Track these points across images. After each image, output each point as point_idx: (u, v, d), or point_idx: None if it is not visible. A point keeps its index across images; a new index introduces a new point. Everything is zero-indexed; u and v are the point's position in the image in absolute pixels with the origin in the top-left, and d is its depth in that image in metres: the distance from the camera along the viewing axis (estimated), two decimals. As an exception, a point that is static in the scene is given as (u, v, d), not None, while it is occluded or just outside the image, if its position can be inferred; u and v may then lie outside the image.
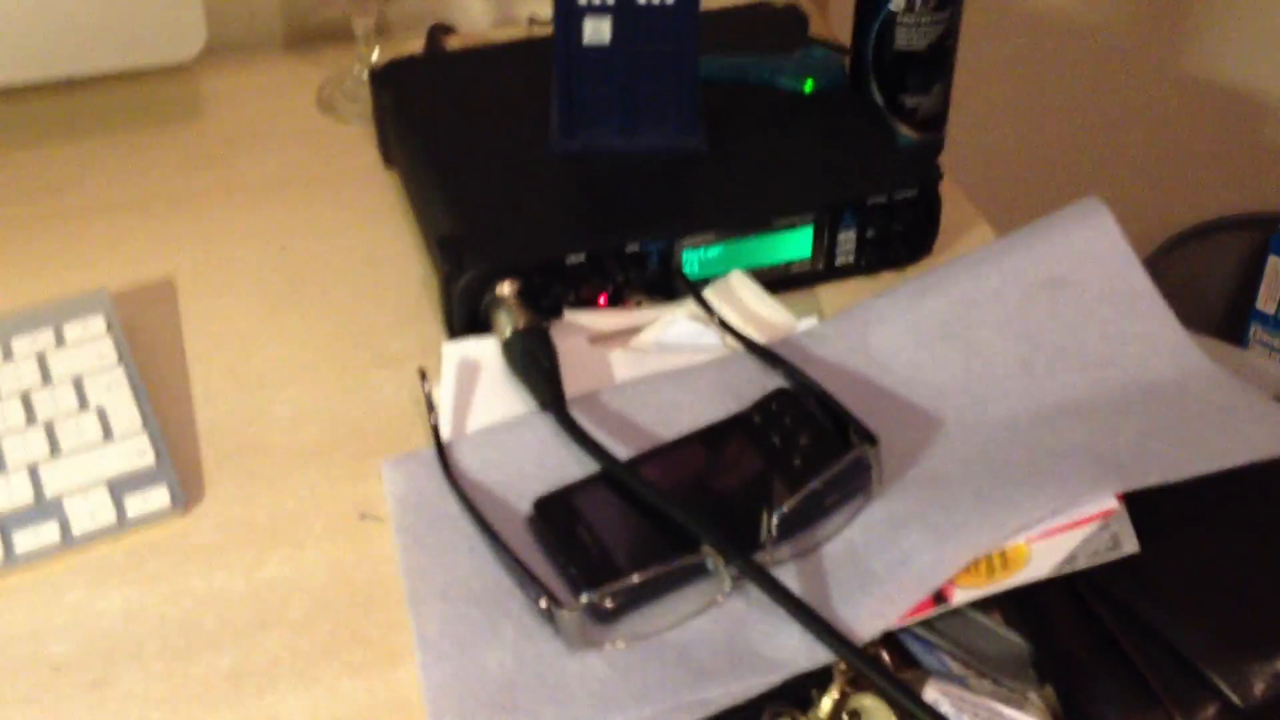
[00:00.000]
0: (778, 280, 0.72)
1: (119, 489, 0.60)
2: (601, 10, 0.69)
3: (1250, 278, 1.38)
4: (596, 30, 0.70)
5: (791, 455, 0.60)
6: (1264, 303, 1.37)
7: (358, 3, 0.81)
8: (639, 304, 0.69)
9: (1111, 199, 1.30)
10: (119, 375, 0.64)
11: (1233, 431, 0.56)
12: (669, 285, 0.69)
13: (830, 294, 0.73)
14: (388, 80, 0.78)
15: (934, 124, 0.82)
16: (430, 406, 0.63)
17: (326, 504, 0.61)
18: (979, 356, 0.65)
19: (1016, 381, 0.64)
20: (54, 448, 0.61)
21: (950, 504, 0.56)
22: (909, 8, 0.76)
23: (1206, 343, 0.65)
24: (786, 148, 0.74)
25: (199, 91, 0.87)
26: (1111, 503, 0.54)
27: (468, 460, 0.61)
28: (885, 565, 0.55)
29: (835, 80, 0.79)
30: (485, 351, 0.65)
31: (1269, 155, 1.34)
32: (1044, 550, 0.54)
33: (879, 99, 0.80)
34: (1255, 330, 1.37)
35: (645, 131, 0.73)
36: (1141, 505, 0.54)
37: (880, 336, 0.66)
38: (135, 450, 0.61)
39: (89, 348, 0.65)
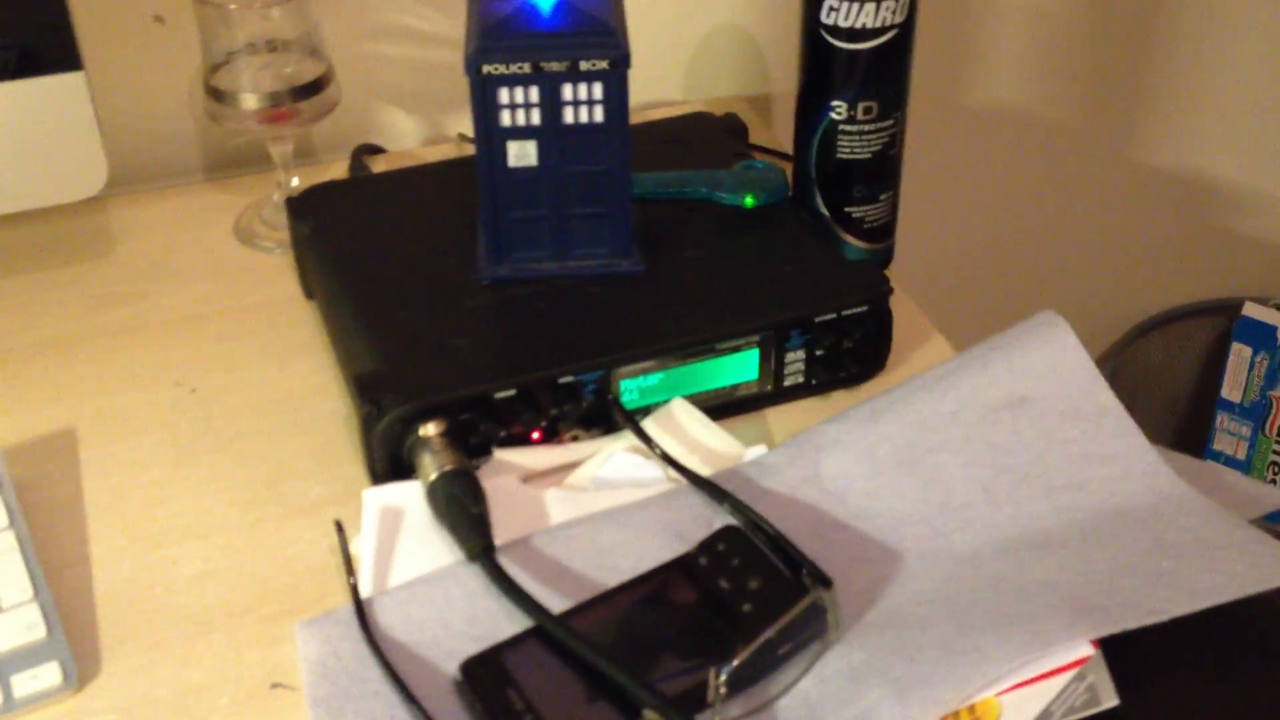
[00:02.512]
0: (723, 405, 0.68)
1: (4, 667, 0.54)
2: (526, 132, 0.66)
3: (1215, 365, 1.36)
4: (522, 153, 0.66)
5: (741, 601, 0.55)
6: (1229, 390, 1.34)
7: (275, 128, 0.78)
8: (575, 438, 0.65)
9: (1072, 293, 1.30)
10: (8, 539, 0.59)
11: (1213, 565, 0.52)
12: (607, 417, 0.65)
13: (780, 417, 0.69)
14: (306, 208, 0.74)
15: (882, 234, 0.79)
16: (348, 564, 0.58)
17: (235, 673, 0.55)
18: (938, 484, 0.61)
19: (979, 510, 0.59)
20: (-67, 623, 0.56)
21: (913, 654, 0.51)
22: (851, 117, 0.74)
23: (1173, 458, 0.61)
24: (728, 266, 0.71)
25: (111, 224, 0.83)
26: (1087, 650, 0.50)
27: (390, 619, 0.56)
28: (845, 727, 0.50)
29: (777, 193, 0.76)
30: (409, 497, 0.60)
31: (1226, 242, 1.32)
32: (1015, 704, 0.49)
33: (824, 211, 0.77)
34: (1221, 418, 1.34)
35: (578, 254, 0.69)
36: (1119, 649, 0.50)
37: (833, 465, 0.62)
38: (24, 623, 0.56)
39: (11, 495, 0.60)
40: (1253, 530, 0.55)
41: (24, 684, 0.54)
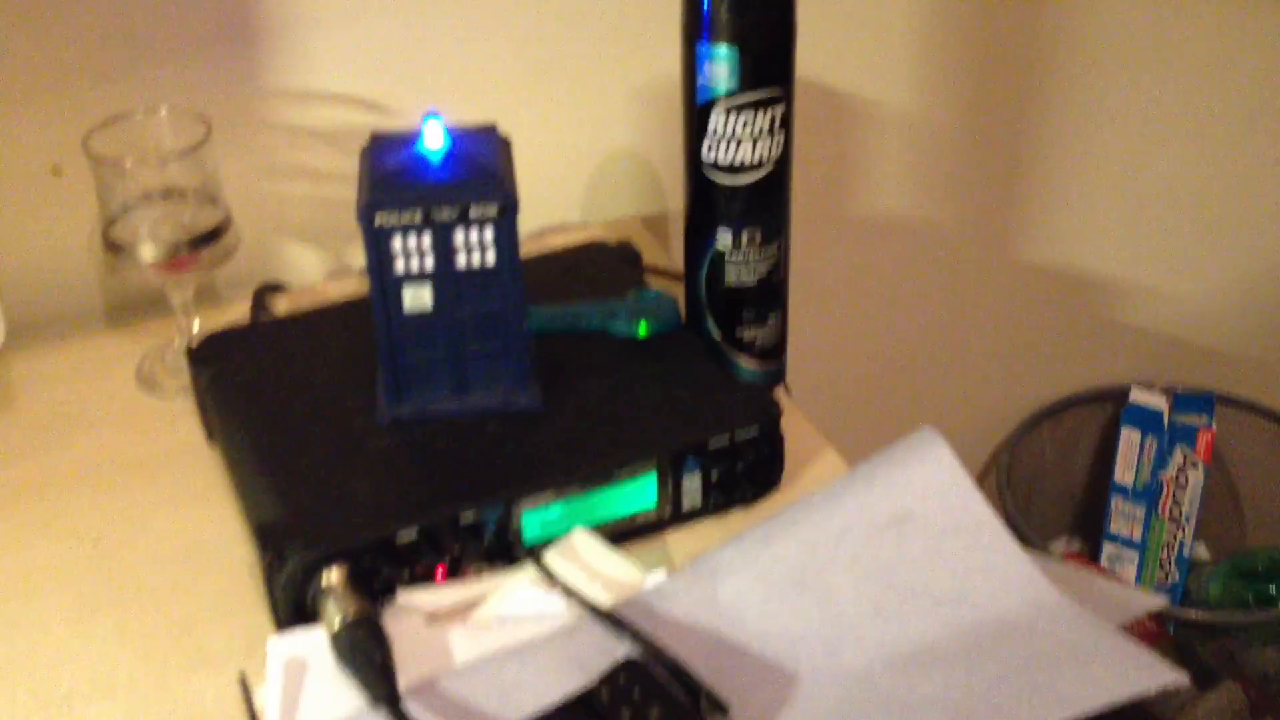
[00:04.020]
0: (624, 532, 0.70)
1: None
2: (421, 278, 0.68)
3: (1107, 451, 1.41)
4: (417, 298, 0.69)
5: (649, 730, 0.57)
6: (1121, 474, 1.39)
7: (174, 276, 0.79)
8: (479, 574, 0.66)
9: (964, 390, 1.34)
10: None
11: (1084, 674, 0.55)
12: (509, 551, 0.67)
13: (679, 540, 0.71)
14: (205, 356, 0.75)
15: (773, 353, 0.82)
16: (252, 717, 0.58)
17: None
18: (830, 602, 0.63)
19: (869, 627, 0.62)
20: None
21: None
22: (735, 245, 0.77)
23: (1055, 566, 0.64)
24: (624, 395, 0.73)
25: (9, 377, 0.83)
26: (970, 766, 0.52)
27: (299, 769, 0.57)
28: None
29: (670, 321, 0.79)
30: (314, 645, 0.61)
31: (1108, 331, 1.38)
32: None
33: (716, 335, 0.80)
34: (1117, 501, 1.39)
35: (476, 393, 0.71)
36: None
37: (729, 588, 0.64)
38: None
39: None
40: (1120, 637, 0.58)
41: None
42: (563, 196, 1.02)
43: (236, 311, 0.88)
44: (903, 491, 0.66)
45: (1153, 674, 0.55)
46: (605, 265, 0.86)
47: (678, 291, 0.81)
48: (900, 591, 0.63)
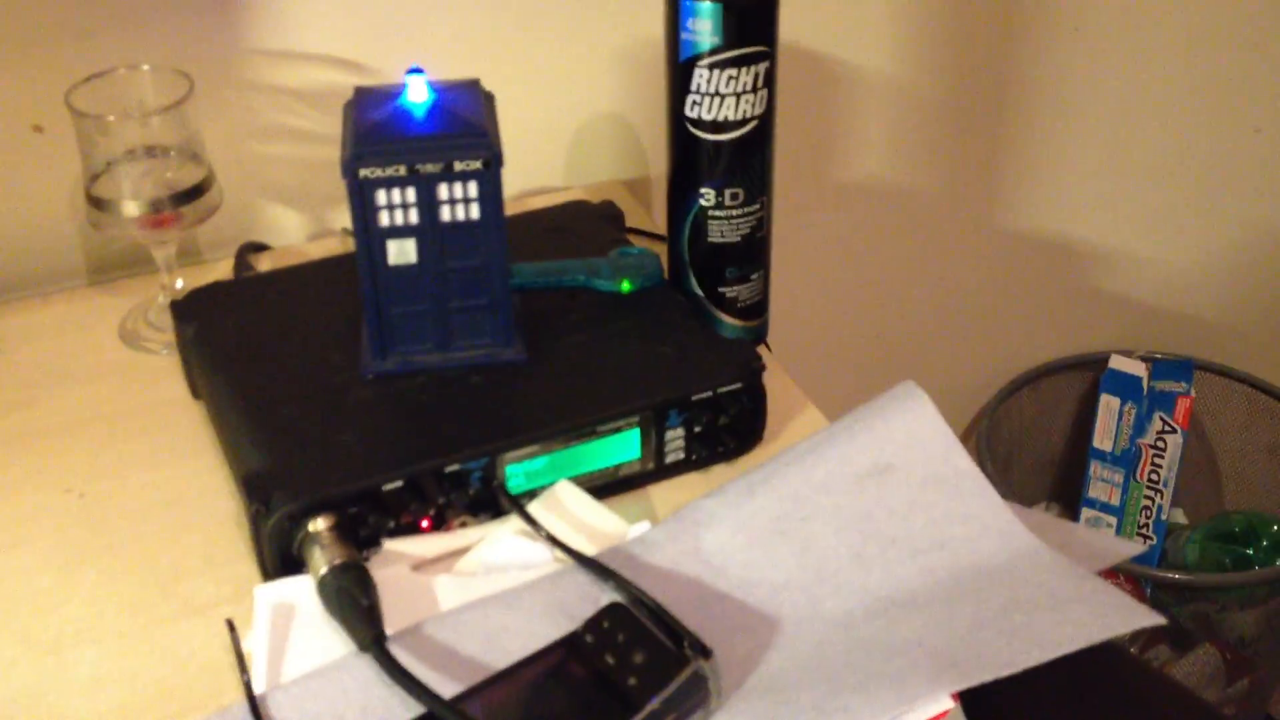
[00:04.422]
0: (608, 484, 0.70)
1: None
2: (405, 231, 0.68)
3: (1086, 417, 1.42)
4: (402, 251, 0.69)
5: (626, 675, 0.57)
6: (1100, 440, 1.40)
7: (157, 233, 0.79)
8: (463, 525, 0.67)
9: (945, 355, 1.35)
10: None
11: (1061, 616, 0.56)
12: (494, 502, 0.67)
13: (662, 493, 0.72)
14: (190, 310, 0.75)
15: (756, 311, 0.82)
16: (241, 662, 0.59)
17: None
18: (812, 551, 0.64)
19: (849, 574, 0.63)
20: None
21: (789, 715, 0.54)
22: (719, 203, 0.77)
23: (1027, 514, 0.65)
24: (608, 350, 0.73)
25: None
26: (948, 703, 0.53)
27: (285, 713, 0.57)
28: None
29: (653, 277, 0.79)
30: (301, 592, 0.62)
31: (1089, 299, 1.39)
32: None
33: (698, 292, 0.80)
34: (1095, 467, 1.40)
35: (461, 346, 0.72)
36: (978, 700, 0.53)
37: (712, 538, 0.65)
38: None
39: None
40: (1098, 581, 0.59)
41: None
42: (544, 159, 1.02)
43: (218, 271, 0.88)
44: (884, 442, 0.66)
45: (1130, 616, 0.56)
46: (588, 223, 0.86)
47: (660, 251, 0.81)
48: (881, 540, 0.64)
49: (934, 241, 1.26)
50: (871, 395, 0.70)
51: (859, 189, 1.19)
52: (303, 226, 0.96)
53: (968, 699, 0.54)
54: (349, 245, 0.90)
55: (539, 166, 1.02)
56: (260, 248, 0.91)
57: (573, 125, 1.02)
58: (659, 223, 0.92)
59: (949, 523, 0.64)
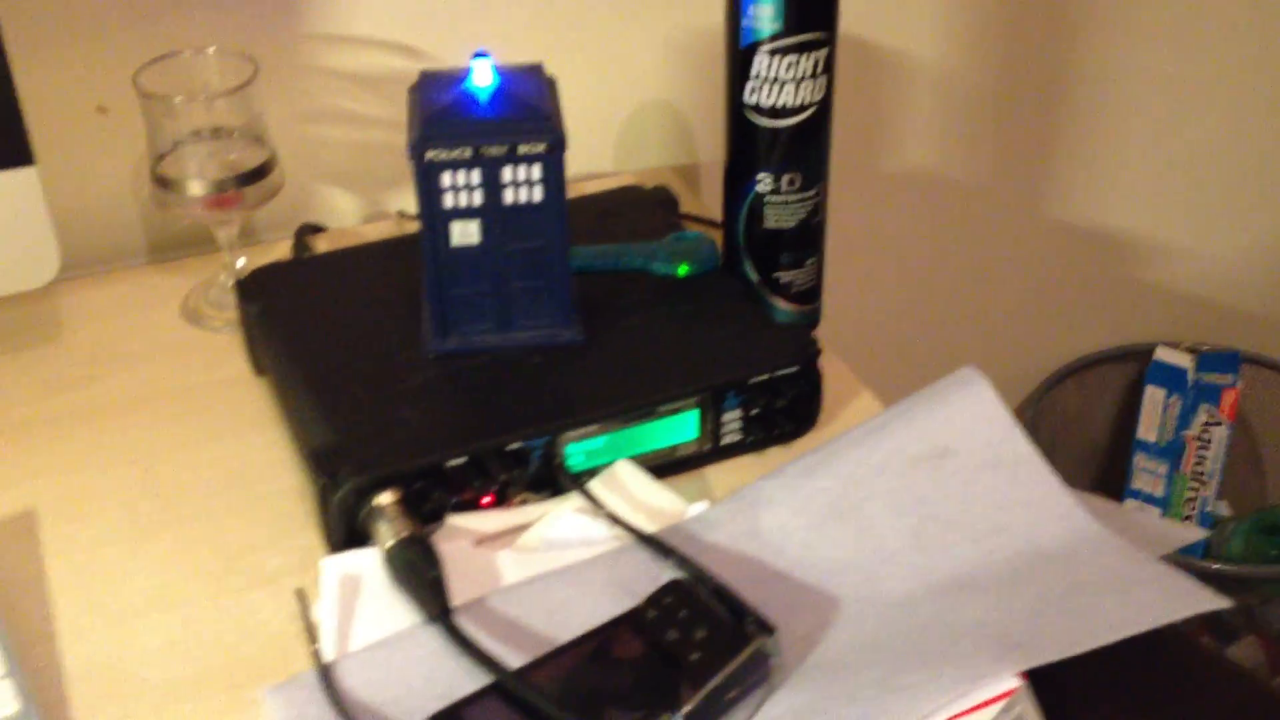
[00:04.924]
0: (665, 465, 0.71)
1: None
2: (469, 213, 0.69)
3: (1131, 408, 1.42)
4: (465, 232, 0.70)
5: (688, 651, 0.58)
6: (1145, 432, 1.40)
7: (220, 214, 0.80)
8: (524, 502, 0.68)
9: (991, 344, 1.35)
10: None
11: (1126, 599, 0.56)
12: (554, 480, 0.68)
13: (718, 475, 0.72)
14: (254, 289, 0.76)
15: (810, 297, 0.83)
16: (310, 631, 0.60)
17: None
18: (871, 533, 0.64)
19: (909, 556, 0.63)
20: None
21: (852, 693, 0.55)
22: (775, 189, 0.78)
23: (1088, 499, 0.65)
24: (665, 333, 0.74)
25: (58, 311, 0.85)
26: (1014, 682, 0.53)
27: (353, 681, 0.58)
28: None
29: (708, 262, 0.80)
30: (367, 564, 0.63)
31: (1136, 290, 1.38)
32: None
33: (753, 277, 0.81)
34: (1139, 458, 1.40)
35: (521, 327, 0.72)
36: (1044, 681, 0.54)
37: (771, 518, 0.66)
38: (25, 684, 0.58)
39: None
40: (1161, 565, 0.59)
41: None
42: (596, 145, 1.03)
43: (277, 252, 0.89)
44: (944, 426, 0.67)
45: (1195, 600, 0.56)
46: (643, 208, 0.87)
47: (714, 236, 0.82)
48: (940, 523, 0.64)
49: (980, 230, 1.26)
50: (918, 383, 0.70)
51: (906, 177, 1.19)
52: (358, 208, 0.97)
53: (1034, 681, 0.54)
54: (403, 228, 0.91)
55: (590, 151, 1.02)
56: (317, 229, 0.92)
57: (624, 111, 1.03)
58: (710, 208, 0.92)
59: (1010, 507, 0.64)
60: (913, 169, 1.19)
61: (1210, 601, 0.56)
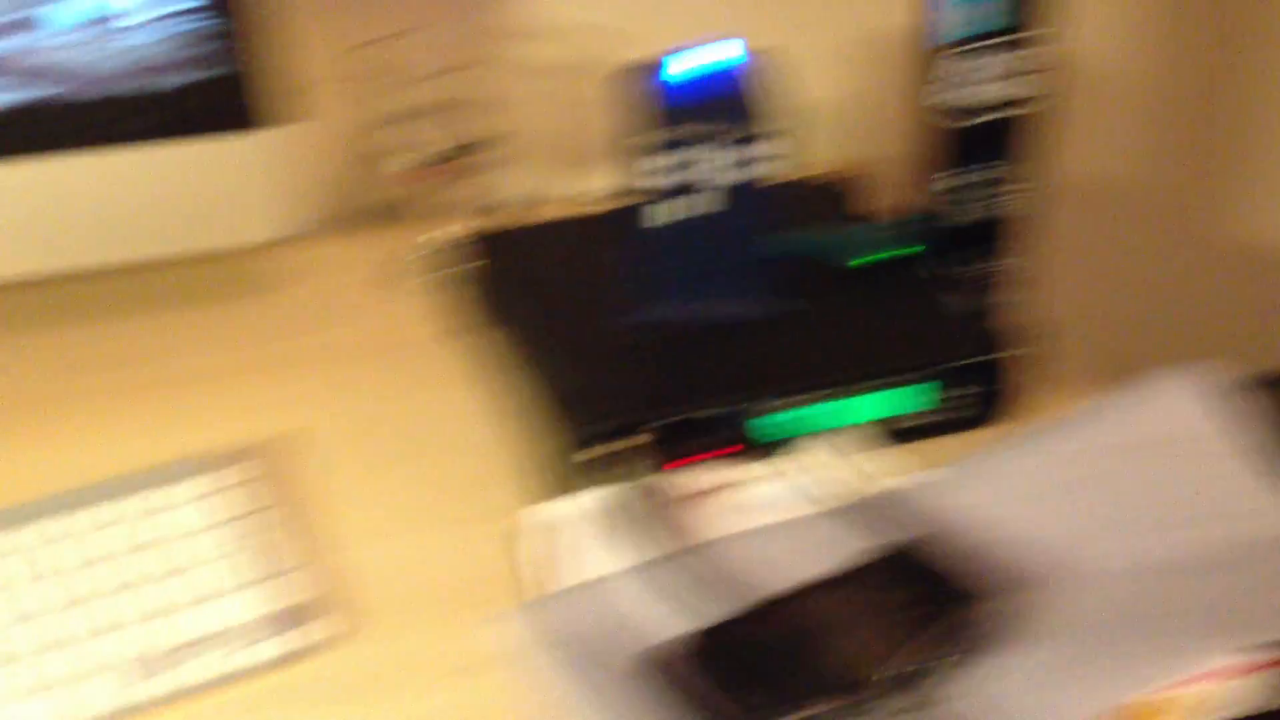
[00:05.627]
0: (877, 437, 0.73)
1: (280, 623, 0.62)
2: (670, 194, 0.72)
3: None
4: (672, 211, 0.73)
5: (908, 612, 0.59)
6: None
7: (436, 183, 0.84)
8: (738, 462, 0.70)
9: (1173, 352, 1.30)
10: (264, 520, 0.66)
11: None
12: (771, 445, 0.70)
13: (926, 450, 0.73)
14: (479, 251, 0.81)
15: (998, 290, 0.84)
16: (519, 571, 0.64)
17: (457, 647, 0.61)
18: (1088, 514, 0.65)
19: (1127, 538, 0.64)
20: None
21: (1084, 662, 0.56)
22: (970, 184, 0.79)
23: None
24: (865, 315, 0.77)
25: (283, 266, 0.89)
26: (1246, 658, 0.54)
27: (551, 618, 0.61)
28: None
29: (903, 253, 0.81)
30: (574, 511, 0.66)
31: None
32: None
33: (951, 268, 0.82)
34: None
35: (720, 302, 0.75)
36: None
37: (971, 496, 0.67)
38: (298, 585, 0.63)
39: (230, 496, 0.67)
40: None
41: (296, 639, 0.61)
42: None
43: (479, 224, 0.92)
44: (1159, 417, 0.68)
45: None
46: (829, 199, 0.89)
47: (908, 228, 0.83)
48: (1156, 508, 0.65)
49: (1173, 236, 1.25)
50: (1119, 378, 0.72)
51: (1083, 180, 1.18)
52: (568, 183, 0.99)
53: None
54: (600, 208, 0.94)
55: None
56: (531, 202, 0.95)
57: (819, 105, 1.05)
58: (901, 203, 0.93)
59: (1224, 498, 0.65)
60: (1112, 172, 1.19)
61: None
